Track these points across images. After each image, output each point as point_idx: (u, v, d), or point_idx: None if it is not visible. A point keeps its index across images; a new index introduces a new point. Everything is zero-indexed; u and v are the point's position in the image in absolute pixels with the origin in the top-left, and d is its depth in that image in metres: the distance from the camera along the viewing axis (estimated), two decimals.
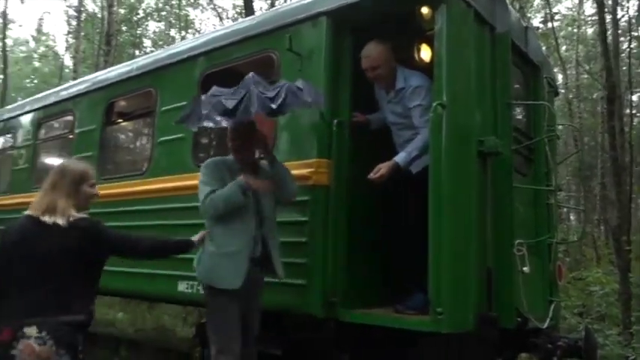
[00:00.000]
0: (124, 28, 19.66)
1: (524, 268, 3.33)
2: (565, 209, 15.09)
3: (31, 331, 2.27)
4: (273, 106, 3.01)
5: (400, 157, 3.35)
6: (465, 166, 3.20)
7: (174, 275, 4.14)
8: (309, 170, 3.52)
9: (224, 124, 3.10)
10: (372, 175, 3.31)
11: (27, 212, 2.54)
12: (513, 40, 3.73)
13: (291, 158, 3.66)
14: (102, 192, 4.99)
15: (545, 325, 3.56)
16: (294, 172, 3.55)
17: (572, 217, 18.72)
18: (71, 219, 2.48)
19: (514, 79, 3.86)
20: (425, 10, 3.74)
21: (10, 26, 24.08)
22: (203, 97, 3.23)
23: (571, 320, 8.43)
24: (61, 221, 2.45)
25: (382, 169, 3.31)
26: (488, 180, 3.35)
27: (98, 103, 5.42)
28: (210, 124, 3.10)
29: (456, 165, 3.11)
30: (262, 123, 4.34)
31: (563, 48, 18.96)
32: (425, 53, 4.41)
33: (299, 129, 3.69)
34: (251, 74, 3.21)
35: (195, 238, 3.10)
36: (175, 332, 7.59)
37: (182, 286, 4.10)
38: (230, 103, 2.99)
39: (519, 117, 4.22)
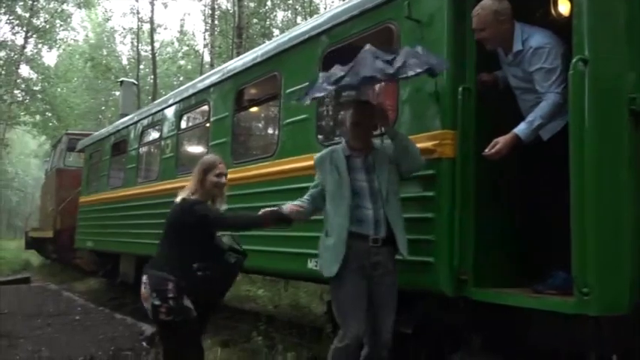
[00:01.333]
0: (254, 21, 20.60)
1: None
2: None
3: (144, 278, 3.18)
4: (391, 70, 2.90)
5: (521, 129, 3.00)
6: (613, 128, 2.80)
7: (304, 253, 4.24)
8: (433, 143, 3.36)
9: (330, 88, 3.09)
10: (487, 151, 3.02)
11: None
12: None
13: (413, 131, 3.53)
14: (235, 175, 5.34)
15: None
16: (418, 145, 3.41)
17: None
18: (183, 198, 3.26)
19: None
20: None
21: (157, 30, 26.63)
22: (320, 74, 3.25)
23: None
24: (177, 200, 3.30)
25: (499, 143, 2.99)
26: None
27: (229, 92, 5.73)
28: (320, 94, 3.12)
29: (602, 127, 2.74)
30: (384, 95, 4.26)
31: None
32: (563, 7, 3.95)
33: (422, 99, 3.53)
34: (367, 46, 3.14)
35: (285, 209, 3.26)
36: (310, 309, 7.85)
37: (311, 264, 4.19)
38: (342, 71, 2.96)
39: None
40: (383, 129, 3.35)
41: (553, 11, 4.04)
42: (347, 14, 4.18)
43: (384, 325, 3.13)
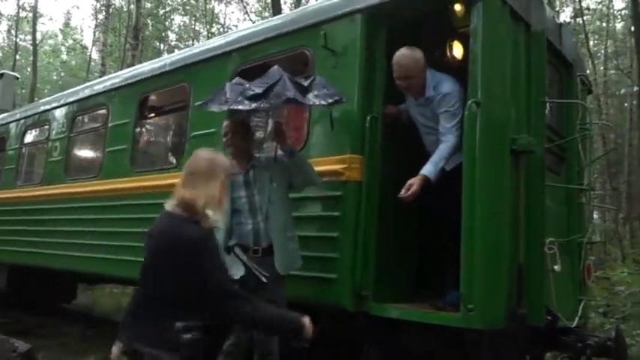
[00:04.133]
0: (150, 22, 19.89)
1: (555, 267, 3.33)
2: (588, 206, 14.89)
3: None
4: (309, 102, 3.08)
5: (428, 171, 3.26)
6: (498, 164, 3.21)
7: None
8: (341, 166, 3.56)
9: (253, 106, 3.17)
10: (403, 194, 3.23)
11: None
12: (548, 37, 3.72)
13: (323, 154, 3.71)
14: (135, 184, 5.18)
15: (575, 323, 3.56)
16: (327, 167, 3.60)
17: (595, 215, 18.45)
18: (184, 217, 2.18)
19: (548, 76, 3.85)
20: (458, 7, 3.75)
21: (40, 20, 24.61)
22: (227, 84, 3.32)
23: (595, 320, 8.35)
24: (174, 213, 2.22)
25: (413, 185, 3.21)
26: (521, 178, 3.34)
27: (132, 98, 5.54)
28: (240, 107, 3.17)
29: (489, 163, 3.13)
30: (294, 117, 4.42)
31: (592, 42, 18.63)
32: (457, 51, 4.41)
33: (332, 124, 3.73)
34: (276, 67, 3.28)
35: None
36: None
37: None
38: (260, 89, 3.05)
39: (552, 115, 4.19)
40: (280, 148, 3.44)
41: (449, 54, 4.49)
42: (264, 35, 4.29)
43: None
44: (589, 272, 4.27)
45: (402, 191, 3.24)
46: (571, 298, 3.90)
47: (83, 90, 6.61)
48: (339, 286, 3.47)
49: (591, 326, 7.79)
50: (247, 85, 3.25)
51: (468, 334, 3.06)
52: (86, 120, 6.65)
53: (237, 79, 3.42)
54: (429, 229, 3.61)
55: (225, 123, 3.53)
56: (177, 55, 5.52)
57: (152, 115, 5.79)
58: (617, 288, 9.34)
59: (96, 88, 6.29)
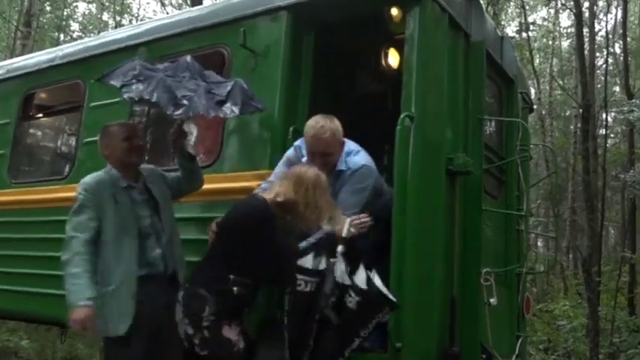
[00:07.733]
0: (47, 9, 19.07)
1: (492, 300, 3.39)
2: (532, 235, 15.61)
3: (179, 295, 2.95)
4: (227, 111, 3.04)
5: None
6: (432, 185, 3.25)
7: None
8: (258, 182, 3.48)
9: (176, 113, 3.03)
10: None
11: None
12: (488, 50, 3.84)
13: (238, 168, 3.62)
14: (13, 198, 4.86)
15: None
16: (242, 184, 3.51)
17: (539, 244, 19.39)
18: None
19: (487, 92, 3.97)
20: (395, 11, 3.81)
21: None
22: (137, 64, 3.15)
23: (536, 357, 8.69)
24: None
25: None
26: (457, 201, 3.41)
27: (14, 94, 5.22)
28: (168, 110, 3.04)
29: (422, 183, 3.16)
30: (206, 126, 4.31)
31: (537, 60, 19.76)
32: (392, 59, 4.50)
33: (249, 136, 3.66)
34: (189, 57, 3.23)
35: None
36: None
37: None
38: (180, 92, 2.98)
39: (491, 133, 4.32)
40: (185, 150, 3.33)
41: (383, 62, 4.57)
42: (177, 28, 4.17)
43: None
44: (528, 305, 4.41)
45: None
46: (508, 333, 4.00)
47: None
48: (254, 322, 3.37)
49: None
50: (170, 84, 3.05)
51: None
52: None
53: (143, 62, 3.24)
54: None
55: (124, 122, 3.38)
56: (72, 46, 5.28)
57: (39, 115, 5.47)
58: (559, 322, 9.79)
59: None
